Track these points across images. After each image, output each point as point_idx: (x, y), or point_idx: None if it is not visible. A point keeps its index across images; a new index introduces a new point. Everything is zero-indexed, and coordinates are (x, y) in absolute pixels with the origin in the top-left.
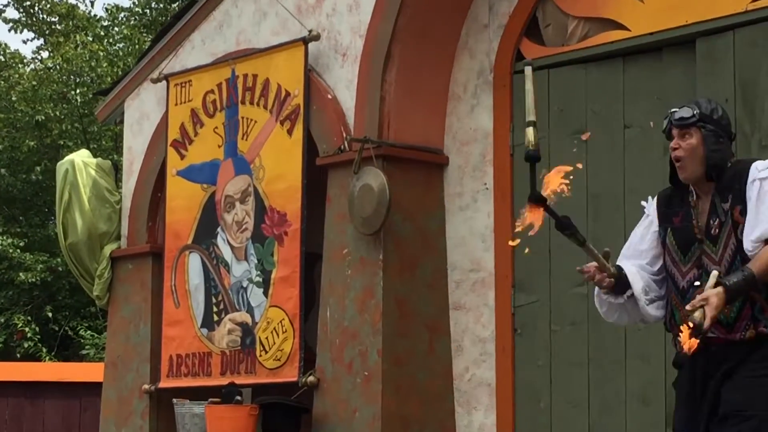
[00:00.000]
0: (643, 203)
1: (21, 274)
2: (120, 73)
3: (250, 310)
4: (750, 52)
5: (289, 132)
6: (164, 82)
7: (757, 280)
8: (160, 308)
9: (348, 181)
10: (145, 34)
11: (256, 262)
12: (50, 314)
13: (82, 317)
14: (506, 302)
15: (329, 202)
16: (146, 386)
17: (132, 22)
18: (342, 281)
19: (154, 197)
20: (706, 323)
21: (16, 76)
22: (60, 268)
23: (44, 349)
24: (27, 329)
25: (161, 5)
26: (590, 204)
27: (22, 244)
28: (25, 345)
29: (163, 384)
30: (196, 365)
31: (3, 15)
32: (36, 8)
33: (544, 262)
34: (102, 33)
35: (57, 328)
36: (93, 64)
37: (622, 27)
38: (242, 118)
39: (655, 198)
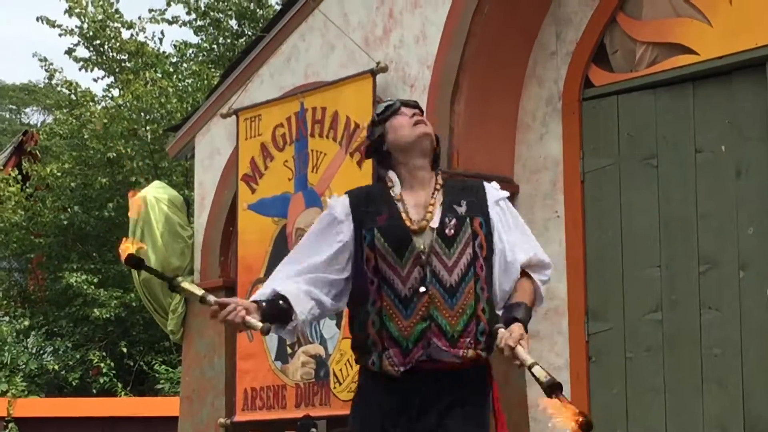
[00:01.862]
0: (330, 200)
1: (95, 310)
2: (189, 108)
3: (323, 342)
4: None
5: (359, 164)
6: (234, 116)
7: (530, 317)
8: (233, 342)
9: None
10: (213, 70)
11: None
12: (125, 349)
13: (156, 352)
14: (580, 330)
15: None
16: (222, 420)
17: (200, 58)
18: None
19: (225, 231)
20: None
21: (88, 114)
22: (134, 304)
23: (120, 385)
24: (102, 365)
25: (229, 41)
26: (662, 230)
27: (96, 280)
28: (101, 380)
29: (239, 418)
30: (270, 398)
31: (74, 54)
32: (106, 47)
33: (618, 289)
34: (171, 69)
35: (132, 363)
36: (163, 100)
37: (690, 51)
38: (312, 150)
39: (346, 199)
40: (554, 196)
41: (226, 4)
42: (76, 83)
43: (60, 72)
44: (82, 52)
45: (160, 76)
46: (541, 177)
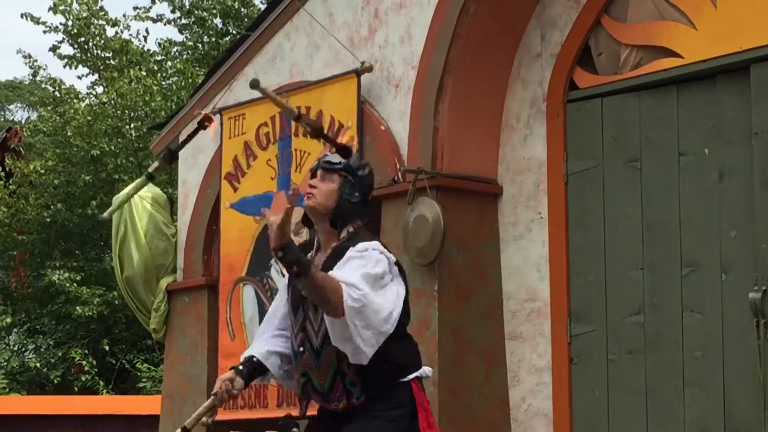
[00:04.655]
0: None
1: (78, 308)
2: (174, 107)
3: None
4: None
5: None
6: (218, 115)
7: (309, 275)
8: (216, 341)
9: (402, 212)
10: (197, 68)
11: None
12: (107, 347)
13: (138, 350)
14: (562, 331)
15: (383, 233)
16: (203, 419)
17: (185, 57)
18: None
19: (209, 230)
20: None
21: (72, 111)
22: (116, 302)
23: (101, 383)
24: (84, 363)
25: (213, 39)
26: (645, 232)
27: (78, 278)
28: (83, 378)
29: (220, 416)
30: (252, 397)
31: (58, 51)
32: (90, 44)
33: (600, 291)
34: (155, 67)
35: (114, 362)
36: (147, 98)
37: (675, 54)
38: (296, 150)
39: None
40: (538, 198)
41: (210, 2)
42: (60, 80)
43: (44, 69)
44: (66, 49)
45: (144, 74)
46: (524, 178)
